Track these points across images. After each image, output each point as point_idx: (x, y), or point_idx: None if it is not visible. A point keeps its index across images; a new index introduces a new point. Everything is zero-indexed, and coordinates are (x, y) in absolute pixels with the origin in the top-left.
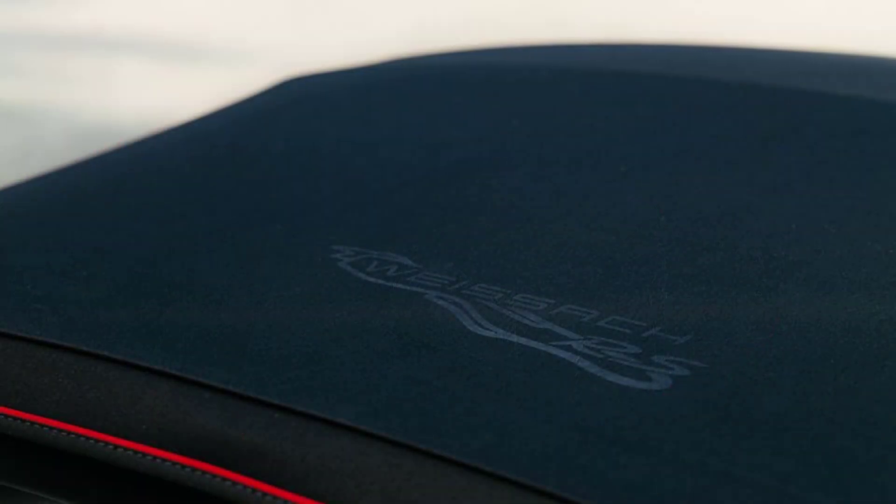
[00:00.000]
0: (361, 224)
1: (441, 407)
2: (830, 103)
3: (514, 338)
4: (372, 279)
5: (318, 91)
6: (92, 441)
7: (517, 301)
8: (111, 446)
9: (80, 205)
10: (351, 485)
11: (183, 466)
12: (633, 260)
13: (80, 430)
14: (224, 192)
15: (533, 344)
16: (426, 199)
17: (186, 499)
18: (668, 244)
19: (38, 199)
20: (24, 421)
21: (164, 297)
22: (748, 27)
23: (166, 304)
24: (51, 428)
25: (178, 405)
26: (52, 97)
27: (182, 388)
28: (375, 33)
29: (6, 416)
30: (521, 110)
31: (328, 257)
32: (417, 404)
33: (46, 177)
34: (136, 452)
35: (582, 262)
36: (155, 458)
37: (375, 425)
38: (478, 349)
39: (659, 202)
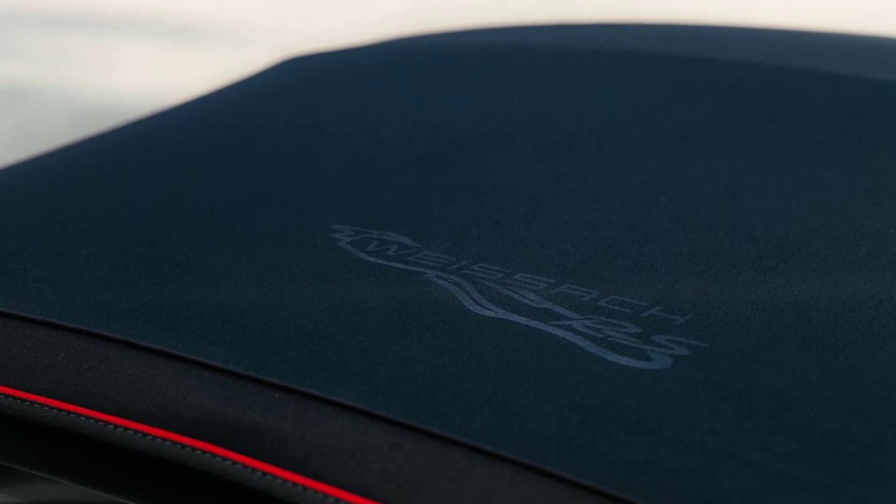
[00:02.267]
0: (361, 204)
1: (441, 386)
2: (830, 83)
3: (515, 317)
4: (372, 259)
5: (318, 71)
6: (91, 420)
7: (517, 281)
8: (111, 426)
9: (80, 184)
10: (351, 464)
11: (183, 446)
12: (634, 240)
13: (80, 410)
14: (224, 172)
15: (533, 323)
16: (426, 178)
17: (186, 478)
18: (669, 224)
19: (39, 179)
20: (23, 400)
21: (164, 277)
22: (748, 6)
23: (166, 284)
24: (50, 407)
25: (178, 385)
26: (52, 77)
27: (182, 368)
28: (375, 13)
29: (5, 395)
30: (521, 90)
31: (328, 237)
32: (417, 384)
33: (47, 156)
34: (135, 432)
35: (582, 241)
36: (154, 437)
37: (375, 405)
38: (478, 329)
39: (659, 182)
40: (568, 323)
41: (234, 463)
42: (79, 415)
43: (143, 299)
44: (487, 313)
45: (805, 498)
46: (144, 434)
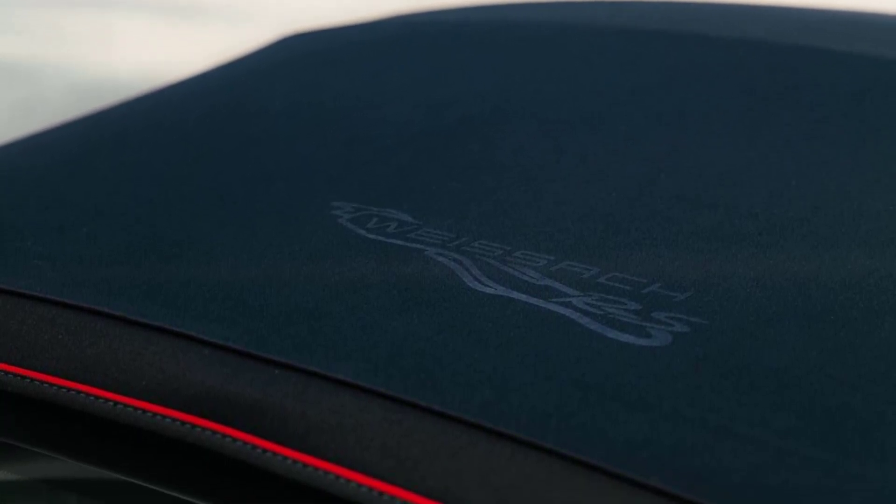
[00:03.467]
0: (361, 181)
1: (441, 363)
2: (833, 60)
3: (514, 294)
4: (372, 235)
5: (319, 47)
6: (91, 397)
7: (517, 258)
8: (111, 402)
9: (80, 162)
10: (351, 441)
11: (182, 423)
12: (634, 217)
13: (80, 387)
14: (224, 149)
15: (533, 300)
16: (427, 155)
17: (186, 455)
18: (669, 201)
19: (39, 156)
20: (23, 377)
21: (164, 254)
22: None
23: (166, 261)
24: (50, 384)
25: (178, 362)
26: (52, 54)
27: (182, 345)
28: None
29: (6, 372)
30: (523, 67)
31: (328, 214)
32: (417, 360)
33: (46, 134)
34: (135, 409)
35: (582, 218)
36: (154, 414)
37: (375, 381)
38: (478, 306)
39: (659, 159)
40: (568, 300)
41: (234, 439)
42: (79, 391)
43: (143, 276)
44: (487, 290)
45: (805, 474)
46: (144, 411)
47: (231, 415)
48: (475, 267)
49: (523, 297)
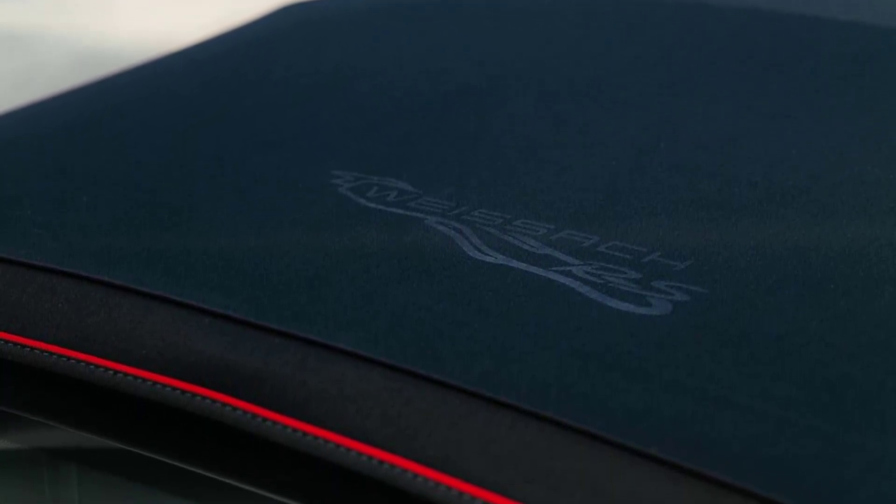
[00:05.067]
0: (361, 149)
1: (441, 332)
2: (832, 29)
3: (514, 263)
4: (372, 204)
5: (319, 17)
6: (91, 366)
7: (517, 226)
8: (111, 372)
9: (80, 131)
10: (351, 410)
11: (183, 392)
12: (634, 186)
13: (80, 356)
14: (224, 118)
15: (533, 269)
16: (427, 125)
17: (186, 424)
18: (669, 170)
19: (39, 125)
20: (23, 346)
21: (164, 223)
22: None
23: (166, 230)
24: (50, 353)
25: (178, 330)
26: (52, 23)
27: (182, 314)
28: None
29: (5, 341)
30: (522, 37)
31: (328, 182)
32: (417, 330)
33: (46, 102)
34: (135, 378)
35: (582, 187)
36: (155, 383)
37: (376, 350)
38: (478, 274)
39: (659, 128)
40: (568, 269)
41: (234, 408)
42: (78, 360)
43: (144, 245)
44: (487, 259)
45: (805, 443)
46: (144, 380)
47: (231, 383)
48: (475, 236)
49: (523, 265)
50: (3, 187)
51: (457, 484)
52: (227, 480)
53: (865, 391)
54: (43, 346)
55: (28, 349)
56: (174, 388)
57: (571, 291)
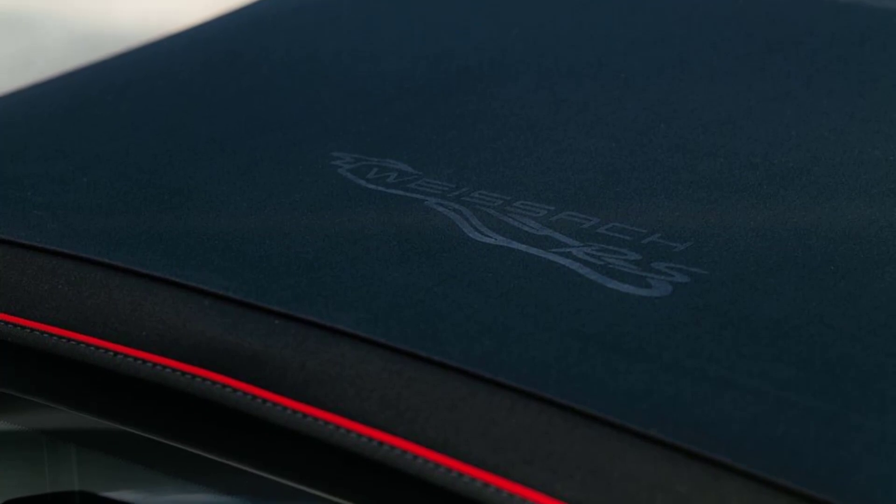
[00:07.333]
0: (361, 131)
1: (441, 314)
2: (832, 9)
3: (514, 244)
4: (371, 186)
5: None
6: (91, 348)
7: (517, 208)
8: (111, 353)
9: (80, 112)
10: (351, 391)
11: (183, 373)
12: (634, 167)
13: (80, 337)
14: (224, 99)
15: (533, 251)
16: (426, 106)
17: (186, 405)
18: (669, 151)
19: (39, 107)
20: (23, 327)
21: (164, 204)
22: None
23: (166, 211)
24: (50, 334)
25: (178, 312)
26: (53, 4)
27: (182, 295)
28: None
29: (6, 322)
30: (522, 18)
31: (328, 164)
32: (417, 311)
33: (47, 84)
34: (135, 359)
35: (582, 169)
36: (155, 364)
37: (375, 332)
38: (478, 256)
39: (659, 109)
40: (568, 250)
41: (234, 390)
42: (79, 342)
43: (144, 226)
44: (487, 240)
45: (805, 424)
46: (144, 361)
47: (231, 365)
48: (475, 217)
49: (523, 247)
50: (4, 168)
51: (457, 465)
52: (227, 462)
53: (865, 372)
54: (43, 327)
55: (28, 331)
56: (174, 370)
57: (571, 273)
